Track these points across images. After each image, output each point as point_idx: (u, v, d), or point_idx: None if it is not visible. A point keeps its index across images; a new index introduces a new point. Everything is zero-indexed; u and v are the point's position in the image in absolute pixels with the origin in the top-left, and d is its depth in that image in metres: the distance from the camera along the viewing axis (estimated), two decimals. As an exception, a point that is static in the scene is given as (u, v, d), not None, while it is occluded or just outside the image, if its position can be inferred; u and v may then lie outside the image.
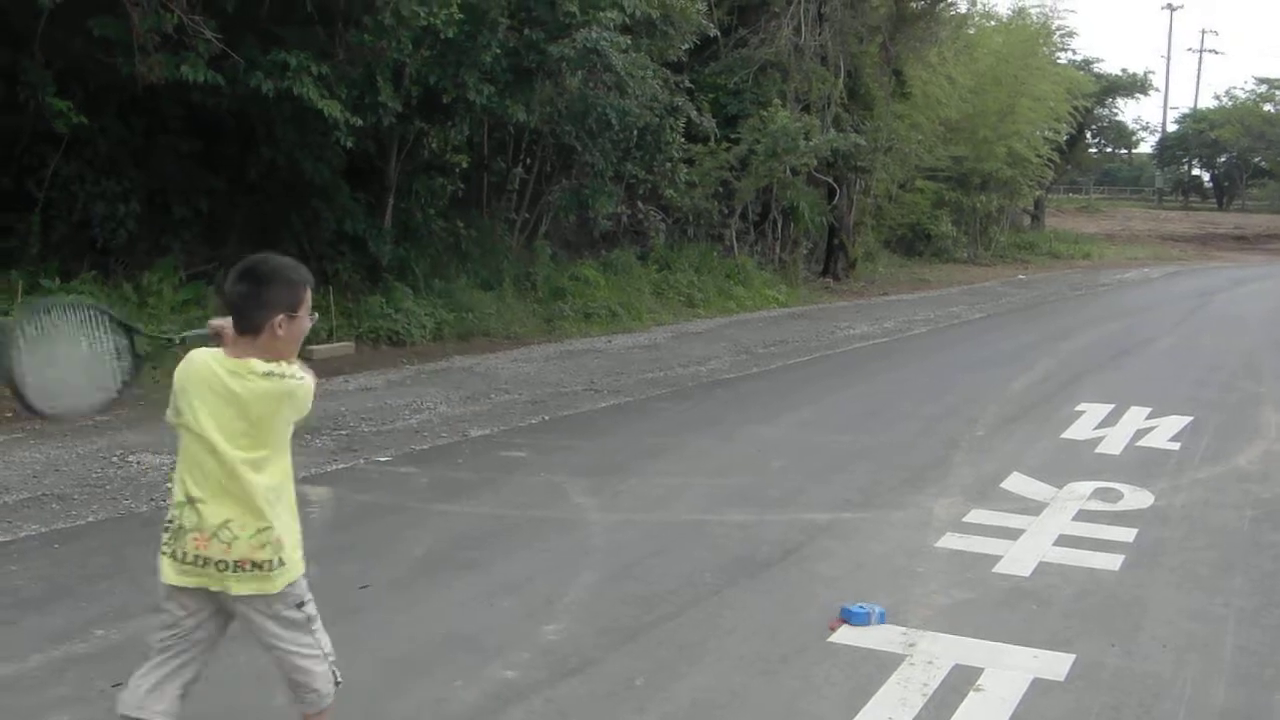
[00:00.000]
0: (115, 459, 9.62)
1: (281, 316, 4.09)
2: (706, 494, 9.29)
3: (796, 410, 13.06)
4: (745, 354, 17.61)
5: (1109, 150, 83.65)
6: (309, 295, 4.20)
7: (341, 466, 9.76)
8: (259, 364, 4.09)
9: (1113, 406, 13.24)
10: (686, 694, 5.54)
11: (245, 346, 4.13)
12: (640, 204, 23.96)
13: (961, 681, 5.72)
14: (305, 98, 13.50)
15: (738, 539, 8.09)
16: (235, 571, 4.13)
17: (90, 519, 8.18)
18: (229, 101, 14.20)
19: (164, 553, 4.19)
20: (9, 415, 10.83)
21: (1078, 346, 19.35)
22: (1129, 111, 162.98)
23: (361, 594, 6.74)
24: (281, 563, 4.17)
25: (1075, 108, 43.03)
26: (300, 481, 9.20)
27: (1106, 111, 67.34)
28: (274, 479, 4.19)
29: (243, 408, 4.10)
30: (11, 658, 5.75)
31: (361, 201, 17.20)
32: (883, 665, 5.91)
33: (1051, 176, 46.54)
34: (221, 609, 4.29)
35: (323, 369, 13.95)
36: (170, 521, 4.21)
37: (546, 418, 12.26)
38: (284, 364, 4.12)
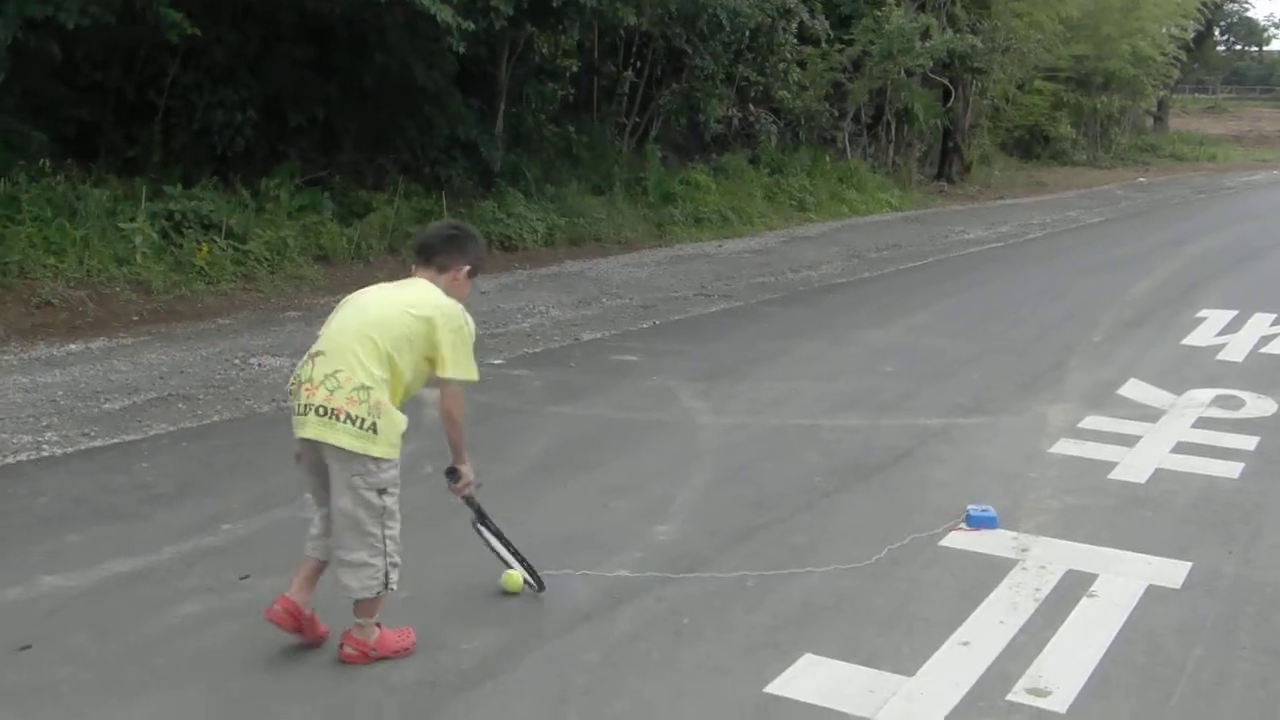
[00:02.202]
0: (237, 361, 9.85)
1: (467, 267, 5.00)
2: (817, 398, 9.30)
3: (909, 315, 12.97)
4: (857, 258, 17.48)
5: (1238, 48, 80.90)
6: (475, 273, 5.08)
7: (456, 369, 9.87)
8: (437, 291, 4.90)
9: (1236, 313, 12.97)
10: (797, 595, 5.59)
11: (430, 278, 4.96)
12: (751, 107, 23.75)
13: (1074, 587, 5.70)
14: (417, 2, 13.51)
15: (849, 443, 8.10)
16: (331, 418, 4.58)
17: (215, 419, 8.41)
18: (341, 7, 14.27)
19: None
20: (135, 319, 11.12)
21: (1200, 251, 18.93)
22: (1261, 7, 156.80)
23: (478, 493, 6.84)
24: (375, 430, 4.58)
25: (1204, 3, 41.62)
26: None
27: (1237, 7, 65.14)
28: (389, 378, 4.68)
29: (408, 306, 4.79)
30: (145, 550, 5.96)
31: (473, 107, 17.25)
32: (994, 569, 5.90)
33: (1176, 76, 45.16)
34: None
35: (437, 274, 14.10)
36: (292, 381, 4.81)
37: (657, 322, 12.31)
38: (453, 313, 4.85)
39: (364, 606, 4.76)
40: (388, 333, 4.70)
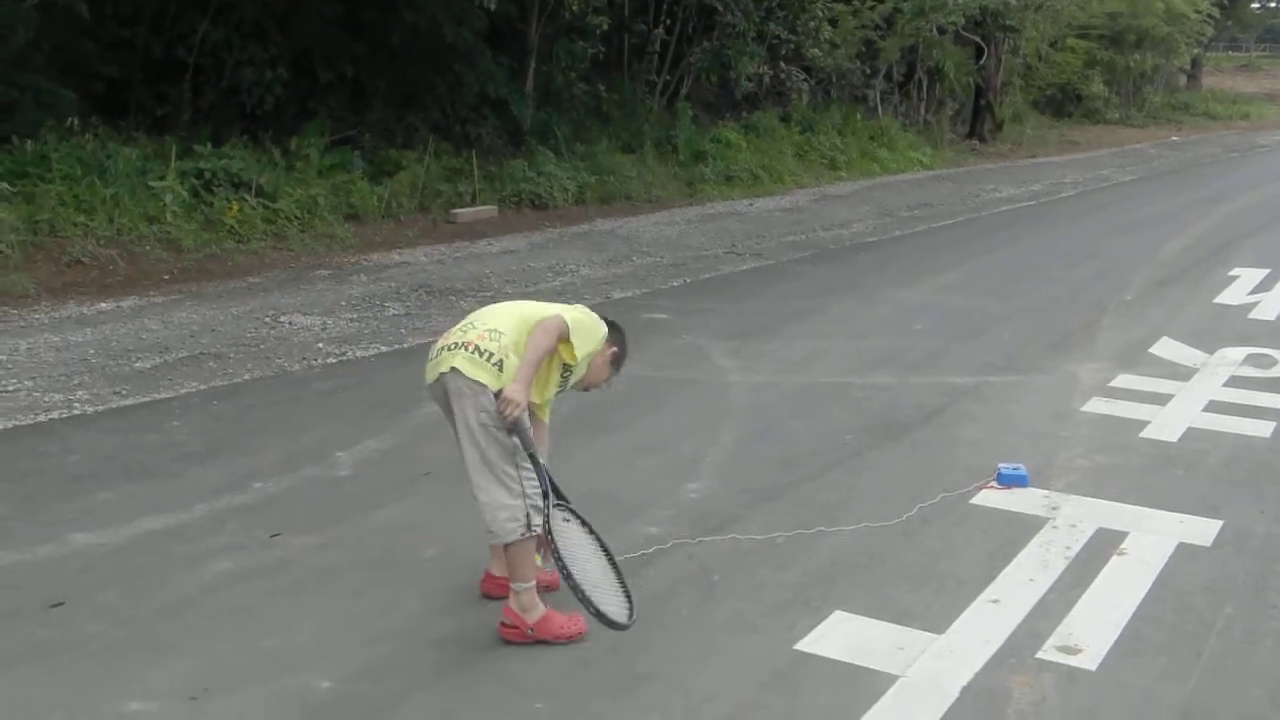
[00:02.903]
0: (268, 319, 9.87)
1: (614, 351, 5.01)
2: (848, 357, 9.27)
3: (940, 274, 12.90)
4: (888, 217, 17.40)
5: (1273, 5, 79.93)
6: (618, 361, 5.10)
7: (486, 328, 9.87)
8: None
9: (1268, 271, 12.86)
10: (826, 553, 5.58)
11: None
12: (783, 65, 23.55)
13: (1105, 545, 5.69)
14: (446, -41, 13.45)
15: (879, 401, 8.08)
16: (459, 349, 4.62)
17: (246, 377, 8.44)
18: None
19: None
20: (166, 277, 11.15)
21: (1233, 210, 18.77)
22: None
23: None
24: (501, 367, 4.56)
25: (1239, -40, 41.08)
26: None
27: (1272, -36, 64.19)
28: (522, 340, 4.64)
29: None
30: (177, 508, 5.99)
31: (503, 65, 17.18)
32: (1025, 528, 5.89)
33: (1210, 34, 44.56)
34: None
35: (467, 232, 14.14)
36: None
37: (688, 280, 12.29)
38: (584, 313, 4.86)
39: (514, 565, 4.67)
40: (531, 308, 4.82)
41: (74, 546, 5.52)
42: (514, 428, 4.57)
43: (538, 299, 4.94)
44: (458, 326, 4.77)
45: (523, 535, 4.60)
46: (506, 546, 4.67)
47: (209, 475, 6.49)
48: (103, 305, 10.15)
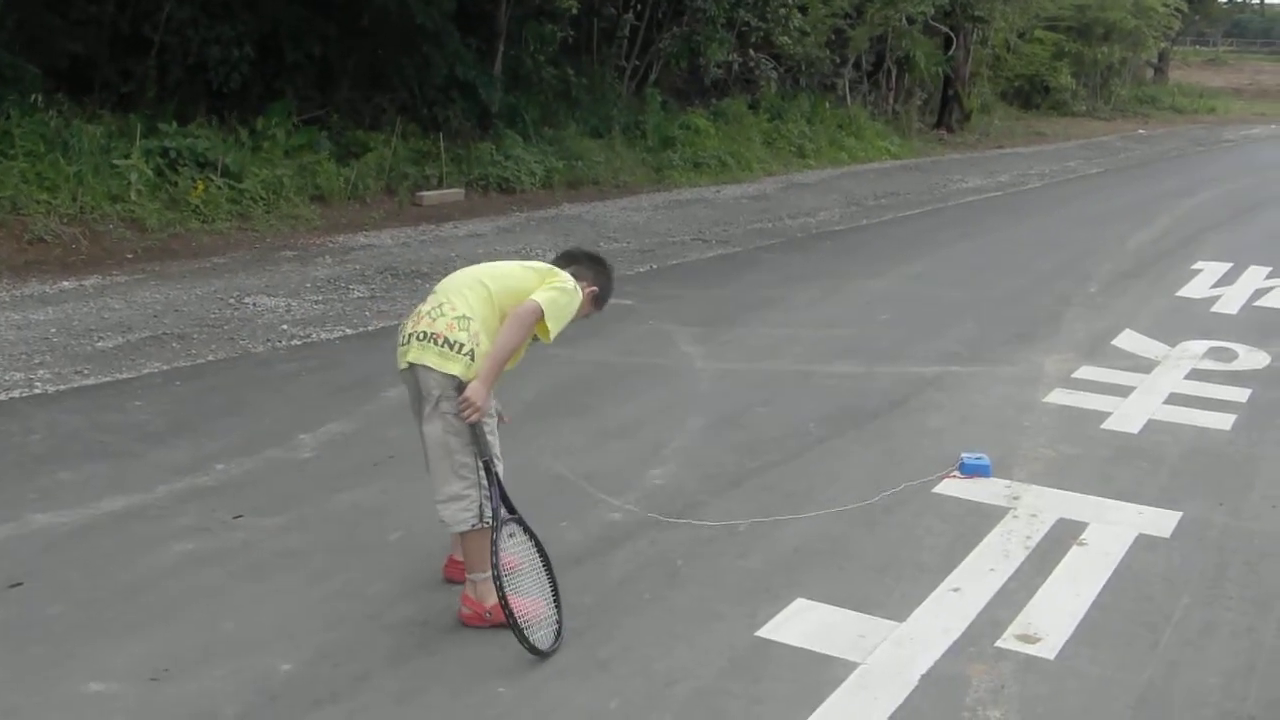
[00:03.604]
0: (232, 300, 9.82)
1: (593, 291, 4.92)
2: (813, 345, 9.29)
3: (906, 263, 12.95)
4: (855, 206, 17.43)
5: (1239, 0, 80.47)
6: (599, 301, 5.01)
7: (451, 312, 9.84)
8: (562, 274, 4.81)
9: (1231, 265, 12.96)
10: (789, 540, 5.60)
11: None
12: (752, 52, 23.55)
13: (1065, 535, 5.72)
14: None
15: (844, 390, 8.10)
16: (428, 341, 4.57)
17: (209, 358, 8.39)
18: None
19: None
20: (130, 256, 11.08)
21: (1197, 203, 18.89)
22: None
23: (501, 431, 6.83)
24: (472, 357, 4.53)
25: (1206, -46, 41.33)
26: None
27: (1239, -41, 64.54)
28: (494, 322, 4.62)
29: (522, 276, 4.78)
30: (138, 489, 5.96)
31: (472, 48, 17.11)
32: (986, 517, 5.92)
33: (1178, 27, 44.79)
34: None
35: (433, 215, 14.09)
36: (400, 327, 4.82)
37: (655, 266, 12.29)
38: (567, 280, 4.76)
39: (469, 555, 4.66)
40: (500, 281, 4.73)
41: (34, 526, 5.48)
42: (472, 431, 4.54)
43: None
44: (425, 309, 4.67)
45: (474, 526, 4.58)
46: (462, 535, 4.67)
47: (171, 456, 6.46)
48: (65, 284, 10.08)
